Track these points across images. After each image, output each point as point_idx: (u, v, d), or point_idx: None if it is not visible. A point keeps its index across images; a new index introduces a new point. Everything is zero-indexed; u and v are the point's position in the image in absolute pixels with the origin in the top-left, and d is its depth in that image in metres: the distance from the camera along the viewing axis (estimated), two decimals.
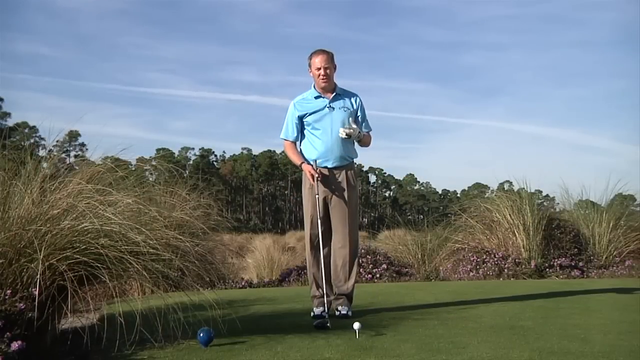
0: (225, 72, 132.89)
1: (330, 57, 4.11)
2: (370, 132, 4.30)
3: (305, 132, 4.18)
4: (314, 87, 4.17)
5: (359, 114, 4.21)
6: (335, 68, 4.16)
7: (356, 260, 4.18)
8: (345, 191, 4.08)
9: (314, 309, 4.05)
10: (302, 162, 4.10)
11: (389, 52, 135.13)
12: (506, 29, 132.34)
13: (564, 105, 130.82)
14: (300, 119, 4.15)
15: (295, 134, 4.18)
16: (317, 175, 4.00)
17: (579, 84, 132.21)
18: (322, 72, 4.06)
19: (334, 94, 4.15)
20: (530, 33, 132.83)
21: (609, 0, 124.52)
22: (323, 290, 4.06)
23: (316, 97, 4.14)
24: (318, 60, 4.07)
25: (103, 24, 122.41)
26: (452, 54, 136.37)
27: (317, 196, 4.03)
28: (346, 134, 4.02)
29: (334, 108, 4.12)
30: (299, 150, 4.24)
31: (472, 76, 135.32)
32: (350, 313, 4.01)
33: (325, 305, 3.88)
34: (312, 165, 4.05)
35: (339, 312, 4.01)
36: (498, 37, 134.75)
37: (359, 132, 4.08)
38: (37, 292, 2.74)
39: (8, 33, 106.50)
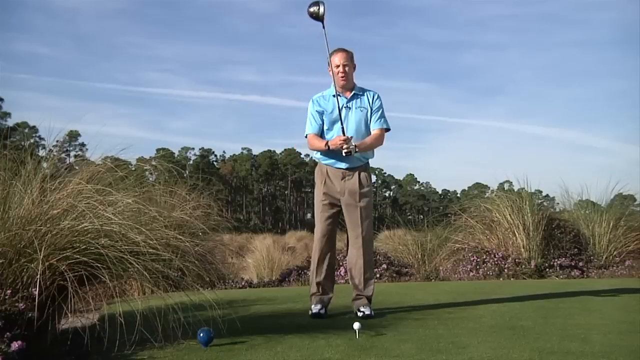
0: (225, 71, 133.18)
1: (350, 55, 4.11)
2: (383, 130, 4.13)
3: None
4: (333, 85, 4.12)
5: (373, 108, 4.12)
6: (354, 67, 4.15)
7: (372, 260, 4.15)
8: (358, 193, 4.05)
9: (312, 306, 4.04)
10: (327, 141, 4.02)
11: (389, 52, 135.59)
12: (506, 28, 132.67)
13: (564, 105, 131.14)
14: (320, 114, 4.12)
15: (318, 126, 4.11)
16: (344, 138, 3.88)
17: (579, 84, 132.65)
18: (341, 69, 4.05)
19: (352, 93, 4.13)
20: (530, 33, 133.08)
21: (609, 0, 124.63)
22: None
23: (334, 96, 4.08)
24: (338, 58, 4.06)
25: (102, 23, 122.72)
26: (452, 54, 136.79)
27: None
28: (345, 152, 3.90)
29: (350, 108, 4.10)
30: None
31: (472, 76, 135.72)
32: (372, 313, 3.96)
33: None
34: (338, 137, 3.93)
35: (362, 313, 3.95)
36: (498, 36, 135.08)
37: (354, 146, 3.91)
38: (37, 292, 2.74)
39: (7, 33, 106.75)
